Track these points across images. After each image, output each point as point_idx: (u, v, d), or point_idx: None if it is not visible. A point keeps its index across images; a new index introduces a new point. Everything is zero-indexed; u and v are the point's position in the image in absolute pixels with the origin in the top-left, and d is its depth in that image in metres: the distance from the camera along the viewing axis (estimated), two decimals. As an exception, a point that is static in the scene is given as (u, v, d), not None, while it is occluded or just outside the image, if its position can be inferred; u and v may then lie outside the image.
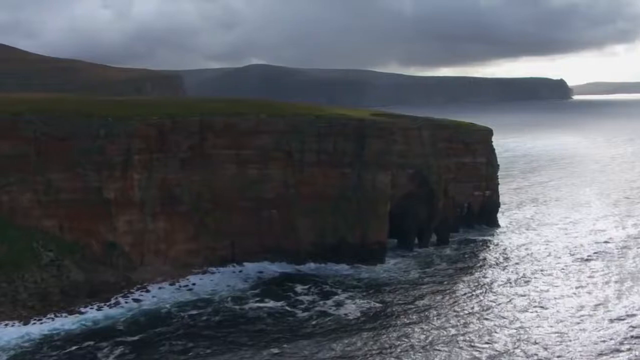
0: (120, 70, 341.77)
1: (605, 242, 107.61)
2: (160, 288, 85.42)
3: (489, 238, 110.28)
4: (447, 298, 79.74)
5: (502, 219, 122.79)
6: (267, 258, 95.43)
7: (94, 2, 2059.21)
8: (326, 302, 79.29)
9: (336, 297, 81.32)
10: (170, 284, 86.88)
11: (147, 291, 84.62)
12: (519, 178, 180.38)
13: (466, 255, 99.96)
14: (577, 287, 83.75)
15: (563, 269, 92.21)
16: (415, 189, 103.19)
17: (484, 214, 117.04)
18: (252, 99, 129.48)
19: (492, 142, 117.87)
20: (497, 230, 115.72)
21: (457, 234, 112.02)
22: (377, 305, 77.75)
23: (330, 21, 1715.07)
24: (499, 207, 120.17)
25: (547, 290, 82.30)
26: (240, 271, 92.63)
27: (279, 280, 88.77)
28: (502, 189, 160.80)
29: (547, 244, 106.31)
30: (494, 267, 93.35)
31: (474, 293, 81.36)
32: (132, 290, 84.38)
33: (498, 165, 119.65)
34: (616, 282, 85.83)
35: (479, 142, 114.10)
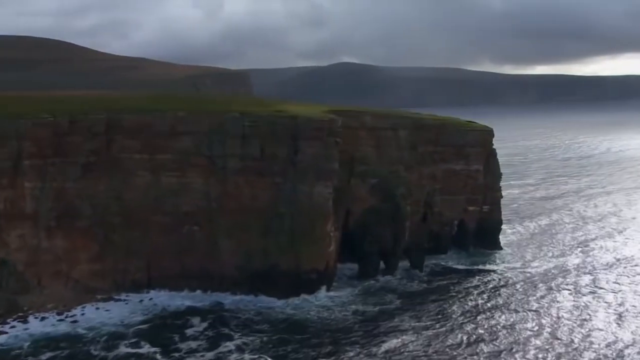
0: (183, 68, 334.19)
1: (631, 275, 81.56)
2: (42, 319, 69.14)
3: (479, 266, 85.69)
4: (361, 357, 58.01)
5: (508, 237, 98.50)
6: (189, 285, 77.05)
7: (185, 2, 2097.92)
8: (207, 354, 59.56)
9: (227, 344, 61.42)
10: (58, 313, 70.45)
11: (25, 322, 68.63)
12: (560, 183, 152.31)
13: (434, 291, 76.55)
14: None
15: (557, 320, 67.18)
16: (379, 203, 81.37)
17: (482, 234, 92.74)
18: (178, 94, 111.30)
19: (492, 144, 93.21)
20: (495, 255, 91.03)
21: (442, 257, 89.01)
22: (267, 360, 57.51)
23: (421, 19, 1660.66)
24: (501, 224, 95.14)
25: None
26: (151, 299, 74.72)
27: (182, 314, 69.85)
28: (533, 195, 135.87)
29: (551, 276, 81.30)
30: (459, 311, 69.50)
31: (404, 352, 58.95)
32: (8, 320, 68.61)
33: (501, 174, 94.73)
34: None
35: (474, 145, 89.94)
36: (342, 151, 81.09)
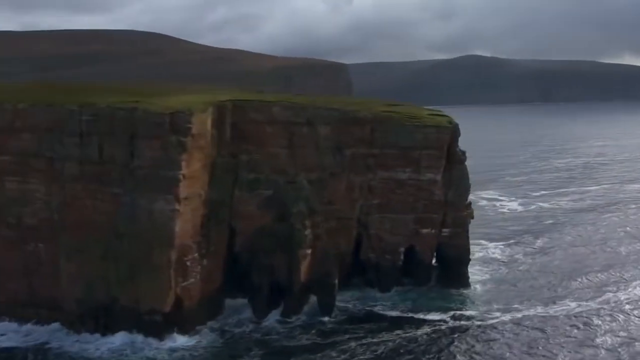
0: (274, 59, 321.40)
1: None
2: None
3: (418, 314, 58.78)
4: None
5: (494, 268, 71.46)
6: (40, 314, 59.44)
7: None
8: None
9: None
10: None
11: None
12: (622, 191, 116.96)
13: (323, 348, 52.08)
14: None
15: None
16: (272, 222, 58.68)
17: (443, 266, 66.51)
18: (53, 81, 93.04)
19: (456, 146, 65.67)
20: (455, 296, 63.19)
21: (379, 297, 63.84)
22: None
23: (553, 9, 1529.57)
24: (468, 254, 67.01)
25: None
26: (-14, 330, 58.27)
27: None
28: (580, 205, 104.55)
29: (510, 339, 53.78)
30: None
31: None
32: None
33: (469, 185, 66.90)
34: None
35: (426, 146, 63.38)
36: (233, 154, 59.72)
